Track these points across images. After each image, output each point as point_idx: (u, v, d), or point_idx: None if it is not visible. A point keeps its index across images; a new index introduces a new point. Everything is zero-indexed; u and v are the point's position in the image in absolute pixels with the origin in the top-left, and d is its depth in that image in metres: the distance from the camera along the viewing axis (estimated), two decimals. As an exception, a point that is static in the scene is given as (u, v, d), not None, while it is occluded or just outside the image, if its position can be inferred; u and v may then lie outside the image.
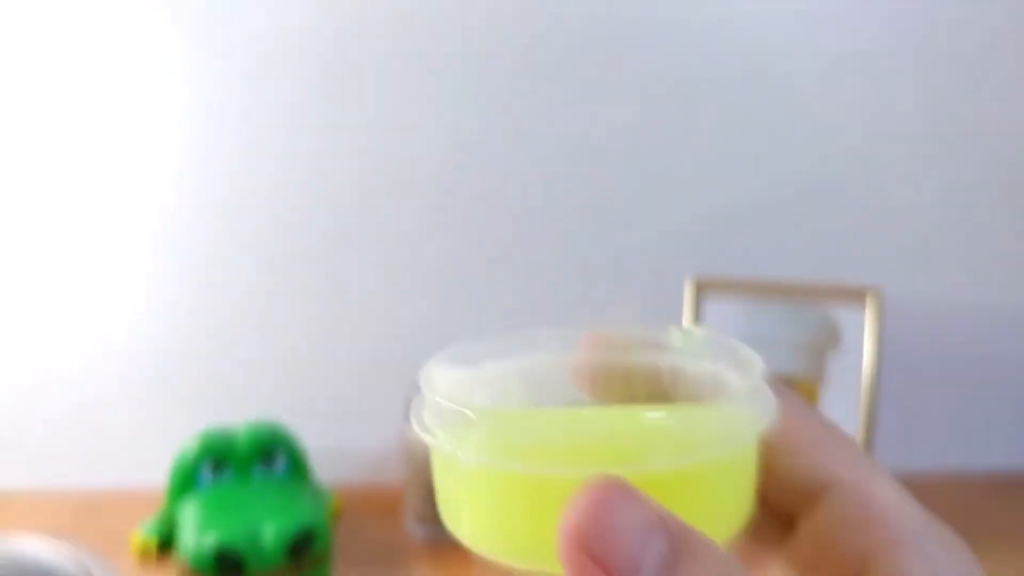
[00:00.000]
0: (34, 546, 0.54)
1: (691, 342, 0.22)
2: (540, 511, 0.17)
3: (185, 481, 0.63)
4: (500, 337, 0.22)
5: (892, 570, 0.18)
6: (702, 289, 0.66)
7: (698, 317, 0.66)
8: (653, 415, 0.18)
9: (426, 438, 0.19)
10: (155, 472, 0.66)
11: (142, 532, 0.67)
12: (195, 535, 0.58)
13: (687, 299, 0.66)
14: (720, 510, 0.19)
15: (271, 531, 0.57)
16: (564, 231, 0.74)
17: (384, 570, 0.64)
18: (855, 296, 0.63)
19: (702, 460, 0.18)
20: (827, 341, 0.63)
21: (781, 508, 0.22)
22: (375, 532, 0.71)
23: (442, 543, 0.68)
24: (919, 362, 0.75)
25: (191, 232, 0.74)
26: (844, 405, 0.62)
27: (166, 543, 0.65)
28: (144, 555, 0.66)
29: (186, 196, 0.74)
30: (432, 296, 0.76)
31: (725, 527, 0.20)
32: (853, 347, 0.62)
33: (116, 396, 0.77)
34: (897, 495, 0.20)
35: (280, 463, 0.66)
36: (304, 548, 0.59)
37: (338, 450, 0.78)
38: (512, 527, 0.18)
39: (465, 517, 0.19)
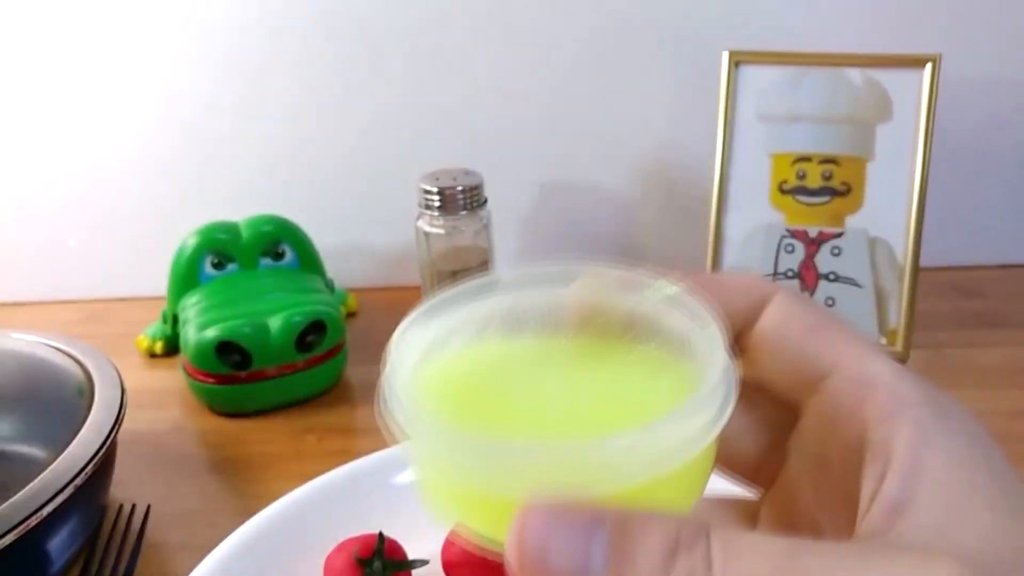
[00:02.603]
0: (36, 344, 0.52)
1: (666, 297, 0.22)
2: (494, 518, 0.19)
3: (186, 277, 0.60)
4: (472, 283, 0.23)
5: (884, 441, 0.18)
6: (740, 61, 0.59)
7: (734, 90, 0.59)
8: (606, 442, 0.18)
9: (389, 428, 0.20)
10: (161, 281, 0.63)
11: (146, 335, 0.65)
12: (196, 329, 0.55)
13: (724, 71, 0.59)
14: (674, 502, 0.20)
15: (278, 321, 0.54)
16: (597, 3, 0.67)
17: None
18: (910, 64, 0.56)
19: (653, 475, 0.18)
20: (877, 114, 0.57)
21: (786, 398, 0.22)
22: (391, 330, 0.68)
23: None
24: (974, 143, 0.69)
25: (199, 32, 0.68)
26: (894, 184, 0.57)
27: (173, 345, 0.63)
28: (149, 357, 0.64)
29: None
30: (449, 93, 0.70)
31: (683, 506, 0.20)
32: (906, 122, 0.56)
33: (122, 206, 0.73)
34: (892, 370, 0.20)
35: (288, 256, 0.62)
36: (315, 340, 0.56)
37: (352, 251, 0.74)
38: (471, 519, 0.20)
39: (431, 503, 0.21)
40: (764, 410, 0.23)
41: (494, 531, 0.19)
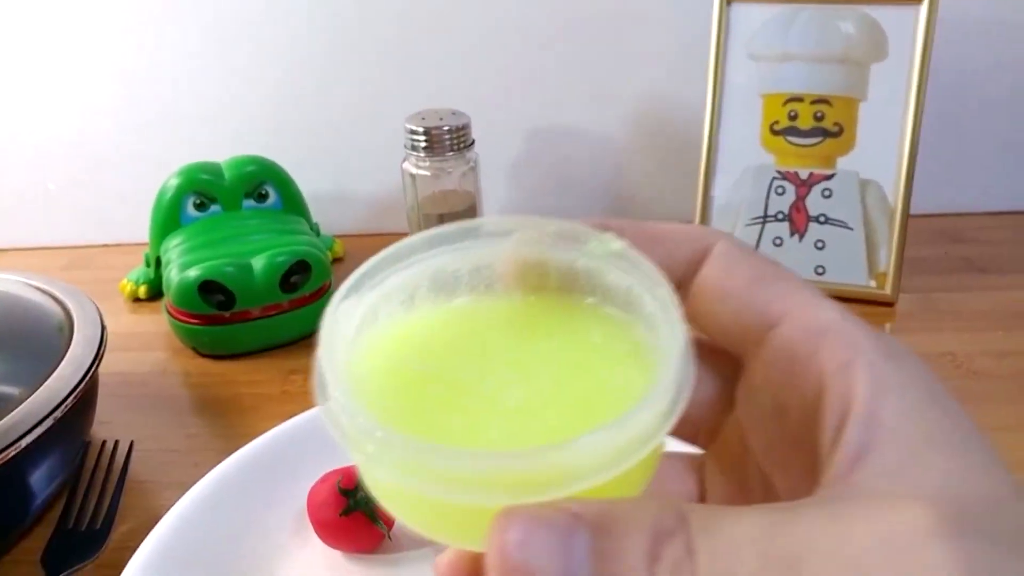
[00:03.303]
0: (15, 283, 0.51)
1: (607, 251, 0.21)
2: (464, 526, 0.18)
3: (168, 218, 0.59)
4: (408, 241, 0.21)
5: (842, 388, 0.18)
6: (732, -2, 0.58)
7: (726, 29, 0.58)
8: (573, 444, 0.17)
9: (341, 442, 0.18)
10: (144, 227, 0.62)
11: (129, 279, 0.64)
12: (179, 270, 0.54)
13: (715, 10, 0.58)
14: (639, 485, 0.19)
15: (261, 261, 0.54)
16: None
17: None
18: (906, 0, 0.55)
19: (622, 469, 0.17)
20: (871, 53, 0.56)
21: (731, 348, 0.21)
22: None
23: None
24: (968, 88, 0.68)
25: None
26: (886, 126, 0.56)
27: (157, 289, 0.62)
28: (133, 301, 0.64)
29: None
30: (439, 36, 0.68)
31: (645, 484, 0.20)
32: (900, 61, 0.55)
33: (104, 150, 0.72)
34: (843, 317, 0.19)
35: (272, 198, 0.61)
36: (300, 280, 0.55)
37: (337, 198, 0.73)
38: (438, 528, 0.19)
39: (385, 503, 0.19)
40: (705, 362, 0.22)
41: (464, 538, 0.19)
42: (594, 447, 0.17)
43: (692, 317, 0.21)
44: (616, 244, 0.21)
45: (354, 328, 0.21)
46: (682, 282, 0.21)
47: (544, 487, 0.17)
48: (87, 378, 0.42)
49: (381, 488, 0.19)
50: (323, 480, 0.39)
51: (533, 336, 0.22)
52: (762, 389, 0.21)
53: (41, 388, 0.40)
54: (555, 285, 0.22)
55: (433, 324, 0.22)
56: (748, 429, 0.22)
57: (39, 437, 0.38)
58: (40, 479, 0.41)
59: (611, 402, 0.19)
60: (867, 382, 0.18)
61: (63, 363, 0.42)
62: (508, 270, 0.22)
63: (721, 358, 0.22)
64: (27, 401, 0.39)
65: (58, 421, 0.39)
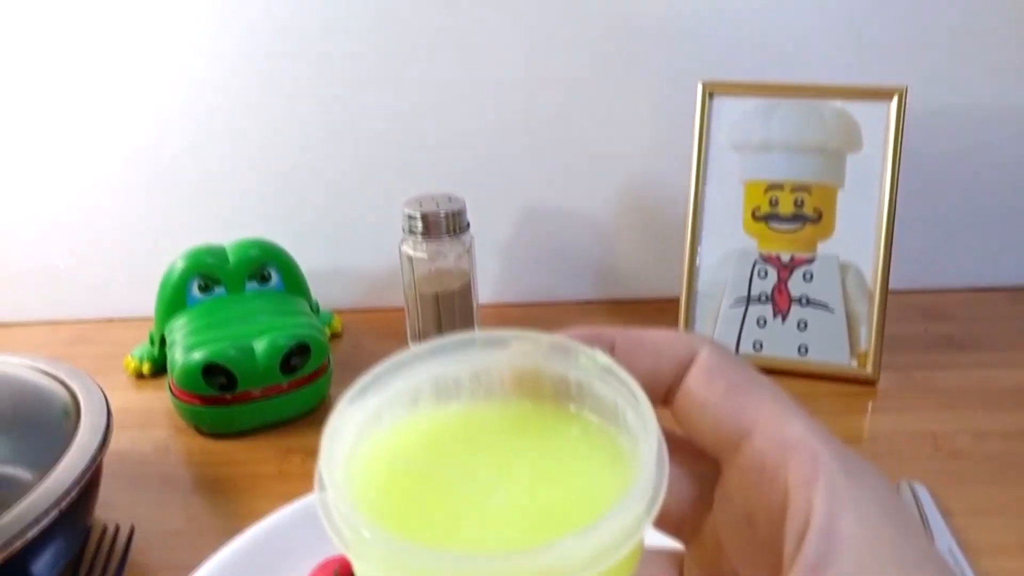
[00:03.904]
0: (21, 367, 0.53)
1: (595, 366, 0.23)
2: None
3: (174, 299, 0.61)
4: (412, 351, 0.23)
5: (804, 502, 0.20)
6: (714, 91, 0.61)
7: (708, 119, 0.61)
8: (550, 548, 0.18)
9: (332, 537, 0.20)
10: (149, 302, 0.64)
11: (134, 355, 0.66)
12: (183, 351, 0.56)
13: (699, 101, 0.61)
14: None
15: (263, 344, 0.55)
16: (577, 28, 0.68)
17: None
18: (878, 96, 0.58)
19: (597, 571, 0.19)
20: (847, 143, 0.59)
21: (711, 453, 0.23)
22: (375, 350, 0.69)
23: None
24: (941, 171, 0.71)
25: (190, 58, 0.69)
26: (863, 211, 0.59)
27: (160, 366, 0.64)
28: (136, 378, 0.65)
29: (179, 21, 0.68)
30: (434, 121, 0.71)
31: None
32: (874, 151, 0.58)
33: (110, 227, 0.75)
34: (809, 431, 0.21)
35: (274, 279, 0.63)
36: (299, 362, 0.57)
37: (336, 274, 0.75)
38: None
39: None
40: (689, 463, 0.24)
41: None
42: (572, 549, 0.18)
43: (679, 421, 0.23)
44: (604, 359, 0.23)
45: (357, 429, 0.23)
46: (671, 387, 0.23)
47: None
48: (92, 466, 0.43)
49: None
50: (322, 568, 0.40)
51: (523, 439, 0.23)
52: (735, 495, 0.22)
53: (48, 477, 0.41)
54: (549, 393, 0.24)
55: (432, 426, 0.24)
56: (722, 530, 0.23)
57: (45, 527, 0.39)
58: (43, 567, 0.42)
59: (587, 506, 0.21)
60: (827, 498, 0.20)
61: (70, 450, 0.44)
62: (506, 377, 0.24)
63: (704, 460, 0.23)
64: (34, 491, 0.40)
65: (64, 511, 0.40)
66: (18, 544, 0.38)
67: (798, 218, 0.60)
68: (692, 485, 0.24)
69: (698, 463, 0.24)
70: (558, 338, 0.24)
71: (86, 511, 0.47)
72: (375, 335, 0.72)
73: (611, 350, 0.23)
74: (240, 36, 0.68)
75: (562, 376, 0.24)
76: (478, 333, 0.24)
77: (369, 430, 0.23)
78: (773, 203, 0.61)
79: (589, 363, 0.23)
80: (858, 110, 0.58)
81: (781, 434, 0.21)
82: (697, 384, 0.23)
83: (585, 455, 0.23)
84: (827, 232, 0.60)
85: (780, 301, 0.61)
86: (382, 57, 0.69)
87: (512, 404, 0.24)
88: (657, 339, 0.24)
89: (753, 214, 0.61)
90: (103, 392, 0.49)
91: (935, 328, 0.68)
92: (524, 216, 0.74)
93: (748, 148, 0.61)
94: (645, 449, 0.21)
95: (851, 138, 0.59)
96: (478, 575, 0.18)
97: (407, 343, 0.68)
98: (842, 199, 0.59)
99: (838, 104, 0.59)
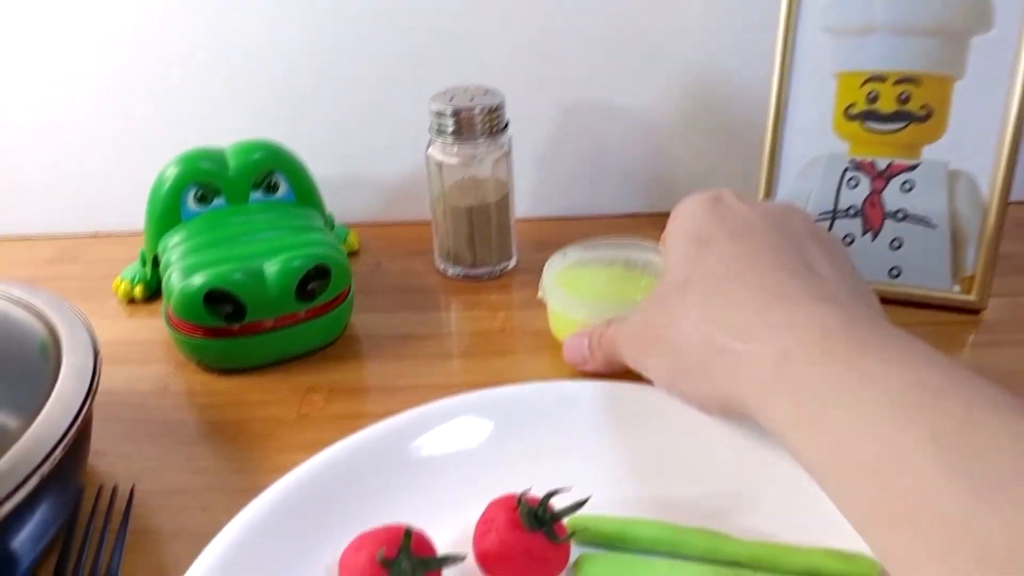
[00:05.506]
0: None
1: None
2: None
3: (166, 213, 0.52)
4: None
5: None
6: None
7: (803, -3, 0.51)
8: None
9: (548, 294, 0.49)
10: (139, 215, 0.55)
11: (124, 277, 0.58)
12: (180, 275, 0.47)
13: (788, -26, 0.51)
14: None
15: (275, 266, 0.47)
16: None
17: (412, 316, 0.55)
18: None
19: None
20: (973, 22, 0.49)
21: None
22: (399, 271, 0.61)
23: (477, 280, 0.59)
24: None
25: None
26: (985, 108, 0.49)
27: (155, 290, 0.56)
28: (127, 303, 0.57)
29: None
30: (456, 9, 0.61)
31: None
32: (1008, 32, 0.48)
33: (96, 130, 0.65)
34: None
35: (282, 189, 0.54)
36: (318, 287, 0.49)
37: (351, 183, 0.66)
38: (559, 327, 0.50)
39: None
40: None
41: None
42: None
43: None
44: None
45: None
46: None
47: None
48: (78, 420, 0.35)
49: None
50: (357, 547, 0.33)
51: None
52: None
53: (24, 437, 0.34)
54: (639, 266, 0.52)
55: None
56: None
57: (23, 498, 0.32)
58: (26, 541, 0.35)
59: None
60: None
61: (49, 403, 0.36)
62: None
63: None
64: (7, 455, 0.33)
65: (45, 476, 0.33)
66: (-11, 523, 0.31)
67: (901, 116, 0.51)
68: None
69: None
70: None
71: (74, 470, 0.39)
72: (397, 253, 0.63)
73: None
74: None
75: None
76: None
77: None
78: (871, 98, 0.51)
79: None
80: (986, -16, 0.48)
81: None
82: None
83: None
84: (936, 133, 0.51)
85: (872, 215, 0.53)
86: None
87: None
88: None
89: (846, 112, 0.52)
90: (90, 331, 0.41)
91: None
92: (564, 115, 0.65)
93: (845, 31, 0.51)
94: None
95: (979, 15, 0.48)
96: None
97: (435, 264, 0.60)
98: (959, 93, 0.50)
99: (960, -23, 0.48)
